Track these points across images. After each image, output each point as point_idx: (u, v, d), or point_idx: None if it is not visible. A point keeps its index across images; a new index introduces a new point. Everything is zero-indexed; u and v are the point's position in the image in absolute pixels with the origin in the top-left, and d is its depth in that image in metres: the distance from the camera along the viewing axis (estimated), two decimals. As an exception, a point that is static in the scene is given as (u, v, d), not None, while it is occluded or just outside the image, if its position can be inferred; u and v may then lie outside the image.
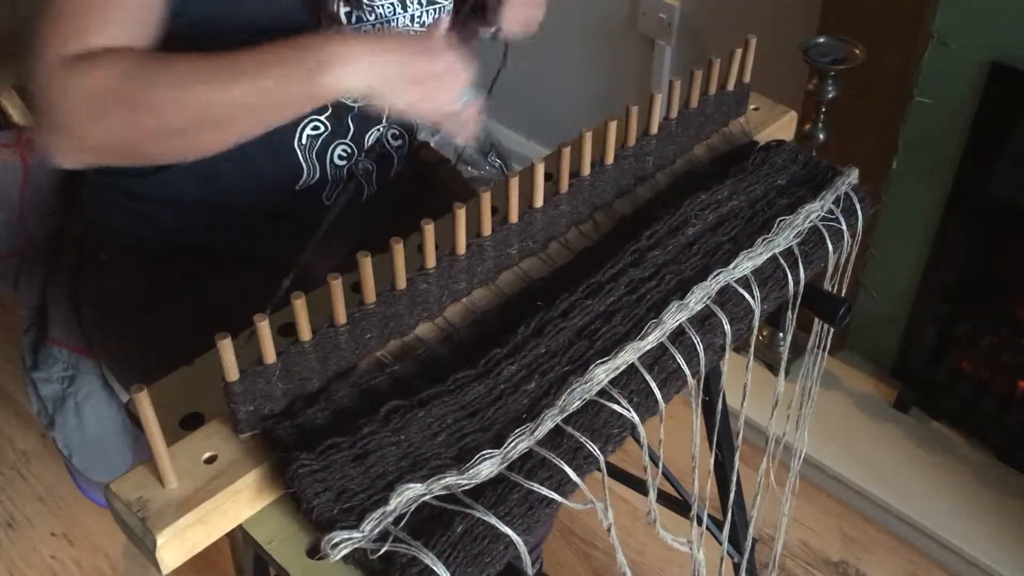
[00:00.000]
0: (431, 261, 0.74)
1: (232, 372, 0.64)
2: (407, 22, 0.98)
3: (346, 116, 1.00)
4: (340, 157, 1.01)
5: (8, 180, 1.11)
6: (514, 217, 0.79)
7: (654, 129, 0.88)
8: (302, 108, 0.81)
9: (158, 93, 0.77)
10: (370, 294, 0.70)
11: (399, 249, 0.70)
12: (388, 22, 0.96)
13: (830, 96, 1.44)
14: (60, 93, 0.77)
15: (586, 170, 0.83)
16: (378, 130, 1.04)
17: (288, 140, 0.97)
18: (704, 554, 0.88)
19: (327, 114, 0.98)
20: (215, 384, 0.66)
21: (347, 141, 1.01)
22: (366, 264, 0.68)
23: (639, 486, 1.18)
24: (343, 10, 0.91)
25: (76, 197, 1.13)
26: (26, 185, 1.12)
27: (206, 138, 0.80)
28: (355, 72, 0.78)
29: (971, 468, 1.63)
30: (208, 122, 0.79)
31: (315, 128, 0.98)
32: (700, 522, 0.88)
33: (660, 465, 0.77)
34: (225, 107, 0.78)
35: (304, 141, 0.97)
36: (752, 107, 1.02)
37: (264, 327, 0.63)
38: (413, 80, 0.81)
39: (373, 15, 0.95)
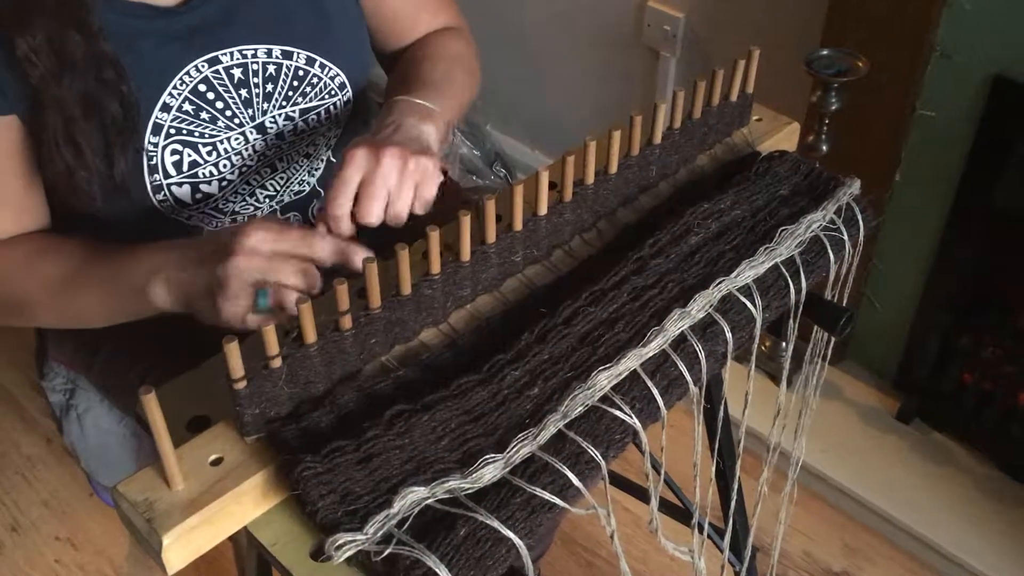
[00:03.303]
0: (436, 267, 0.74)
1: (238, 375, 0.65)
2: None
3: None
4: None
5: None
6: (518, 225, 0.80)
7: (658, 139, 0.89)
8: (144, 315, 0.85)
9: (25, 301, 0.88)
10: (375, 299, 0.71)
11: (404, 255, 0.70)
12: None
13: (833, 108, 1.44)
14: None
15: (590, 179, 0.84)
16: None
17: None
18: (705, 563, 0.89)
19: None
20: (221, 387, 0.66)
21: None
22: (372, 270, 0.69)
23: (641, 494, 1.19)
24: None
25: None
26: None
27: (75, 326, 0.93)
28: (162, 290, 0.80)
29: (973, 479, 1.63)
30: (66, 322, 0.92)
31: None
32: (701, 530, 0.88)
33: (662, 473, 0.77)
34: (82, 317, 0.89)
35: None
36: (755, 118, 1.02)
37: (270, 331, 0.64)
38: (206, 292, 0.77)
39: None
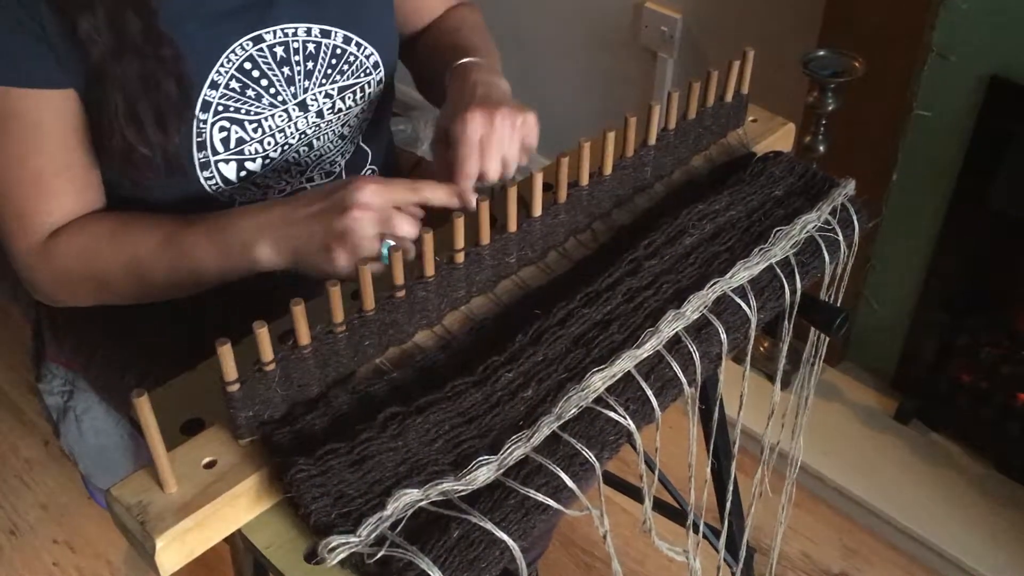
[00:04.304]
0: (430, 269, 0.74)
1: (232, 378, 0.65)
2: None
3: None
4: None
5: None
6: (513, 227, 0.80)
7: (652, 140, 0.89)
8: (241, 276, 0.87)
9: (112, 275, 0.90)
10: (369, 301, 0.71)
11: (397, 257, 0.70)
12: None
13: (830, 108, 1.45)
14: (35, 275, 0.93)
15: (584, 180, 0.84)
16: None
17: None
18: (701, 563, 0.89)
19: None
20: (216, 390, 0.66)
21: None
22: (365, 272, 0.69)
23: (638, 496, 1.18)
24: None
25: None
26: None
27: (160, 298, 0.92)
28: (268, 248, 0.83)
29: (971, 479, 1.63)
30: (159, 293, 0.91)
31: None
32: (696, 530, 0.88)
33: (656, 473, 0.77)
34: (172, 286, 0.89)
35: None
36: (750, 119, 1.02)
37: (263, 333, 0.64)
38: (322, 246, 0.80)
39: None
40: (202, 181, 0.94)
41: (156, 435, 0.62)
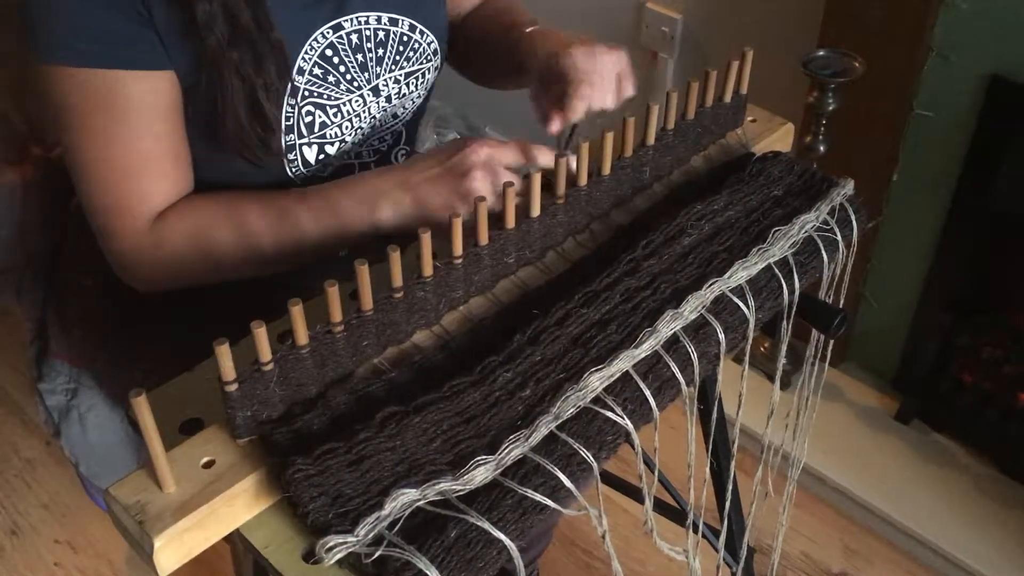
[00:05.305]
0: (428, 269, 0.74)
1: (230, 378, 0.65)
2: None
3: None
4: None
5: (8, 195, 1.13)
6: (511, 227, 0.80)
7: (651, 140, 0.89)
8: (356, 242, 0.90)
9: (223, 256, 0.91)
10: (367, 301, 0.71)
11: (396, 257, 0.71)
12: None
13: (830, 108, 1.45)
14: (141, 263, 0.92)
15: (583, 180, 0.84)
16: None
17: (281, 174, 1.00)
18: (701, 563, 0.89)
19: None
20: (214, 390, 0.67)
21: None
22: (363, 272, 0.69)
23: (638, 496, 1.18)
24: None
25: (73, 215, 1.15)
26: (26, 200, 1.14)
27: (269, 272, 0.93)
28: (390, 210, 0.87)
29: (973, 480, 1.63)
30: (268, 267, 0.92)
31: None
32: (696, 530, 0.88)
33: (656, 473, 0.77)
34: (286, 260, 0.91)
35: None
36: (749, 119, 1.02)
37: (261, 333, 0.64)
38: (446, 205, 0.85)
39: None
40: (285, 163, 0.97)
41: (154, 435, 0.62)
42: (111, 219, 0.91)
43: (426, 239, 0.72)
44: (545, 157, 0.88)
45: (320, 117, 0.97)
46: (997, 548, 1.53)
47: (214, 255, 0.91)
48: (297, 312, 0.66)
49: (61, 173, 1.16)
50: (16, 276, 1.18)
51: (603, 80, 0.94)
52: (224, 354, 0.63)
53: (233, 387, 0.65)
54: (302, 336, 0.68)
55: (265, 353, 0.66)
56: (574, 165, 0.84)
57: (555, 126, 0.93)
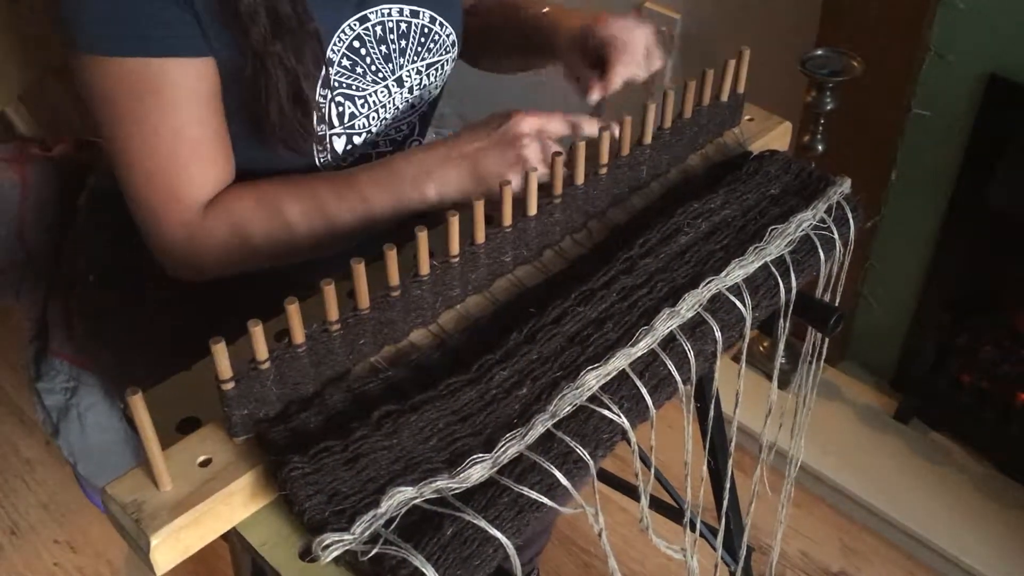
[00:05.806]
0: (425, 268, 0.75)
1: (226, 376, 0.65)
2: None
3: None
4: None
5: (7, 194, 1.13)
6: (508, 225, 0.80)
7: (648, 139, 0.89)
8: (407, 215, 0.90)
9: (271, 242, 0.91)
10: (364, 300, 0.71)
11: (392, 255, 0.71)
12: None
13: (828, 108, 1.45)
14: (189, 253, 0.91)
15: (580, 179, 0.84)
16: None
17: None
18: (700, 562, 0.89)
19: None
20: (212, 389, 0.67)
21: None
22: (360, 270, 0.69)
23: (636, 494, 1.18)
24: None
25: (75, 214, 1.15)
26: (25, 199, 1.14)
27: (322, 254, 0.93)
28: (438, 185, 0.88)
29: (971, 479, 1.63)
30: (313, 251, 0.92)
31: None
32: (693, 528, 0.88)
33: (652, 471, 0.78)
34: (332, 243, 0.91)
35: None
36: (747, 118, 1.02)
37: (258, 331, 0.64)
38: (498, 175, 0.86)
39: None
40: (315, 154, 0.98)
41: (151, 433, 0.62)
42: (161, 209, 0.90)
43: (423, 237, 0.72)
44: (590, 127, 0.90)
45: (350, 108, 0.98)
46: (995, 547, 1.53)
47: (268, 243, 0.91)
48: (294, 311, 0.66)
49: (61, 173, 1.16)
50: (16, 275, 1.18)
51: (639, 50, 0.98)
52: (220, 353, 0.63)
53: (230, 386, 0.65)
54: (299, 335, 0.68)
55: (262, 352, 0.66)
56: (617, 133, 0.86)
57: (596, 95, 0.96)
